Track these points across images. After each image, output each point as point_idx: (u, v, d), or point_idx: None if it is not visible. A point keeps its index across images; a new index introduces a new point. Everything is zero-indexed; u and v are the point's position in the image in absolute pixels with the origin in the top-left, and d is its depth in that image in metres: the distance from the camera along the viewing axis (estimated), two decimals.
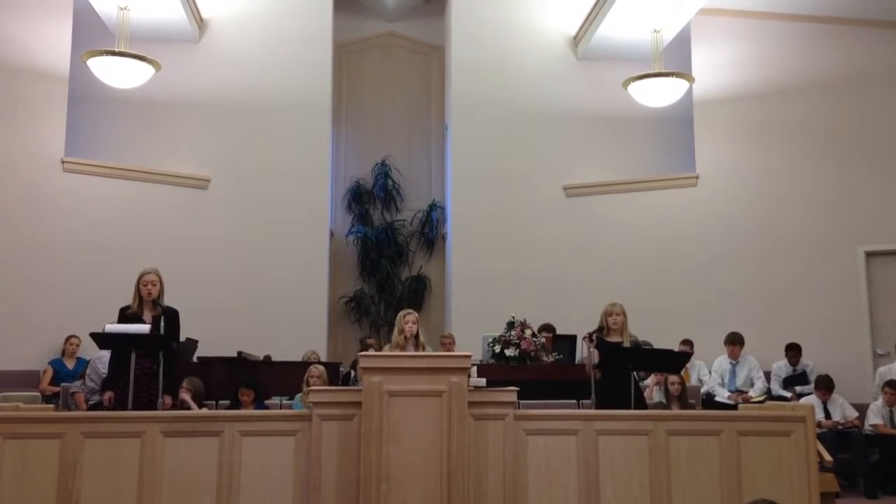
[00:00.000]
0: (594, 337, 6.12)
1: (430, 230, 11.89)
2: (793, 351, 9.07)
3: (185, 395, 6.40)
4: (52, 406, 6.05)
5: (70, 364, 9.07)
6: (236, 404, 6.87)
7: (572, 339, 8.31)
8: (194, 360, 8.05)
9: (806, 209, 9.91)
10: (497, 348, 7.57)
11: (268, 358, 9.08)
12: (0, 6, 9.55)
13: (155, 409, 5.52)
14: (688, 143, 10.58)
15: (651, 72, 9.50)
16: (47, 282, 9.33)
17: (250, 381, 6.98)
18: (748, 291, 9.87)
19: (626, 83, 9.63)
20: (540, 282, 10.37)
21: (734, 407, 7.17)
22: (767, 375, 9.07)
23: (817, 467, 4.98)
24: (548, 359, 7.69)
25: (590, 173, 10.85)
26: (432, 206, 11.88)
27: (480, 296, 10.33)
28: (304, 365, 7.60)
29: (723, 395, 8.74)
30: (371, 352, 7.97)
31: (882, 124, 9.81)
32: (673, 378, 7.09)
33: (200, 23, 10.76)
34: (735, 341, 8.95)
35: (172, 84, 10.32)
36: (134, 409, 5.52)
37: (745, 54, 10.38)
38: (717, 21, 10.40)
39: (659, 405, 7.13)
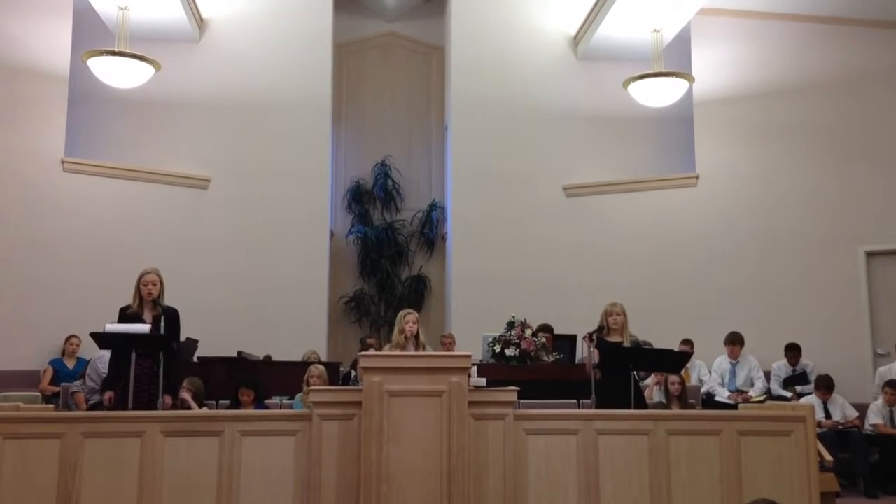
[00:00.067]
0: (594, 337, 6.12)
1: (430, 230, 11.89)
2: (792, 351, 9.07)
3: (186, 395, 6.40)
4: (52, 406, 6.05)
5: (70, 364, 9.07)
6: (236, 404, 6.87)
7: (572, 338, 8.30)
8: (194, 360, 8.05)
9: (806, 209, 9.91)
10: (497, 348, 7.56)
11: (268, 358, 9.08)
12: (0, 6, 9.55)
13: (155, 409, 5.52)
14: (688, 143, 10.58)
15: (651, 72, 9.50)
16: (47, 282, 9.33)
17: (250, 381, 6.98)
18: (748, 291, 9.86)
19: (626, 83, 9.63)
20: (540, 282, 10.37)
21: (734, 407, 7.17)
22: (767, 375, 9.06)
23: (817, 467, 4.98)
24: (548, 359, 7.68)
25: (590, 173, 10.85)
26: (432, 206, 11.89)
27: (480, 296, 10.33)
28: (304, 365, 7.60)
29: (723, 395, 8.74)
30: (371, 352, 7.97)
31: (882, 124, 9.81)
32: (673, 378, 7.09)
33: (200, 23, 10.76)
34: (735, 341, 8.95)
35: (172, 84, 10.32)
36: (134, 408, 5.52)
37: (745, 54, 10.38)
38: (717, 21, 10.40)
39: (659, 405, 7.13)
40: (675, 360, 6.39)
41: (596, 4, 10.26)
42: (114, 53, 8.90)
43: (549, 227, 10.69)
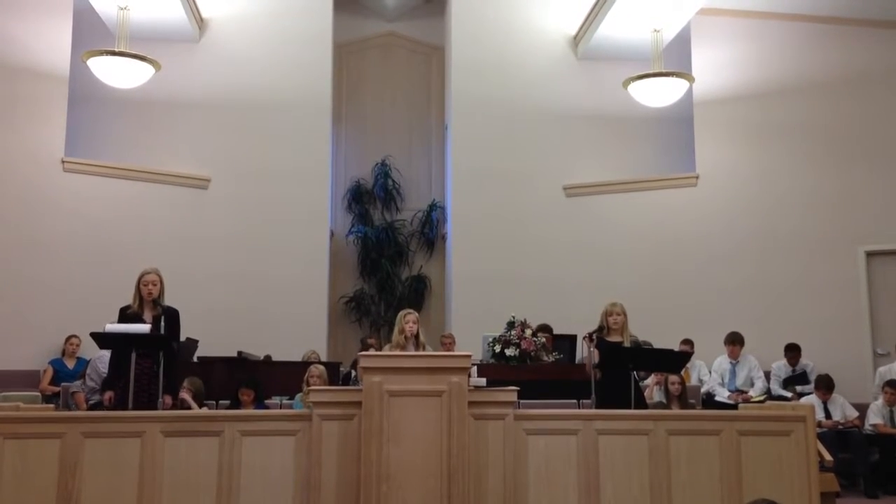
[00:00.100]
0: (594, 337, 6.12)
1: (430, 230, 11.89)
2: (792, 352, 9.06)
3: (186, 395, 6.40)
4: (52, 406, 6.05)
5: (70, 364, 9.07)
6: (236, 404, 6.87)
7: (572, 338, 8.31)
8: (194, 359, 8.05)
9: (806, 209, 9.91)
10: (497, 348, 7.56)
11: (268, 358, 9.09)
12: (0, 6, 9.55)
13: (155, 408, 5.52)
14: (688, 143, 10.58)
15: (651, 72, 9.50)
16: (47, 282, 9.33)
17: (250, 380, 6.98)
18: (748, 291, 9.86)
19: (626, 83, 9.63)
20: (540, 282, 10.37)
21: (734, 407, 7.17)
22: (767, 375, 9.06)
23: (817, 467, 4.98)
24: (548, 359, 7.68)
25: (590, 173, 10.85)
26: (432, 206, 11.89)
27: (480, 296, 10.33)
28: (304, 365, 7.60)
29: (723, 395, 8.74)
30: (371, 352, 7.97)
31: (882, 124, 9.81)
32: (673, 378, 7.09)
33: (200, 23, 10.76)
34: (735, 341, 8.95)
35: (172, 84, 10.32)
36: (134, 409, 5.52)
37: (745, 54, 10.38)
38: (717, 21, 10.40)
39: (659, 405, 7.13)
40: (675, 360, 6.39)
41: (596, 4, 10.26)
42: (114, 53, 8.91)
43: (549, 227, 10.69)
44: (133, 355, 5.62)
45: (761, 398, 8.45)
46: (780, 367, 9.11)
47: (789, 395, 8.76)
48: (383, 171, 11.85)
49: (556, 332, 8.31)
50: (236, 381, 7.01)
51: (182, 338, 6.67)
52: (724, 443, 4.91)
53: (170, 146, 10.47)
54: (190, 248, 10.07)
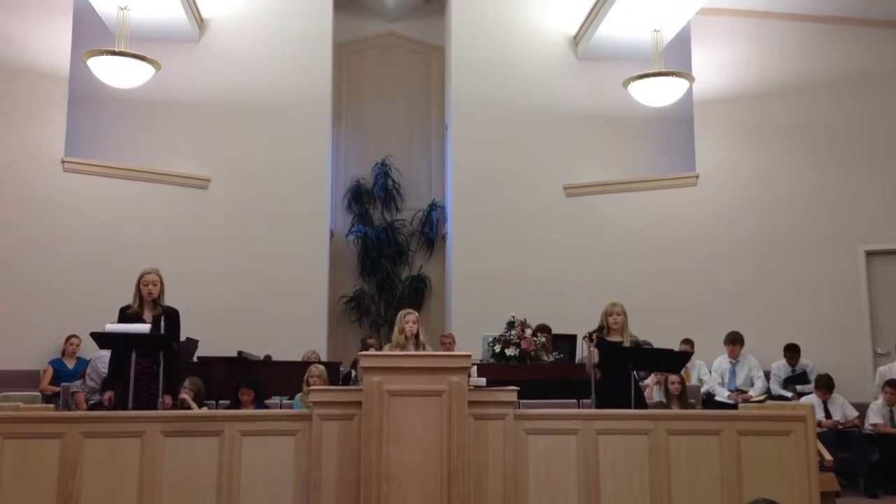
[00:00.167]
0: (594, 336, 6.12)
1: (430, 230, 11.89)
2: (791, 352, 9.06)
3: (186, 395, 6.40)
4: (52, 406, 6.04)
5: (70, 364, 9.07)
6: (236, 404, 6.87)
7: (572, 338, 8.31)
8: (194, 359, 8.05)
9: (806, 209, 9.90)
10: (497, 348, 7.56)
11: (268, 358, 9.09)
12: (0, 6, 9.55)
13: (155, 408, 5.52)
14: (688, 143, 10.58)
15: (651, 71, 9.50)
16: (47, 282, 9.34)
17: (250, 380, 6.98)
18: (748, 291, 9.86)
19: (626, 83, 9.63)
20: (540, 282, 10.37)
21: (734, 406, 7.17)
22: (767, 375, 9.06)
23: (817, 467, 4.98)
24: (548, 358, 7.68)
25: (590, 173, 10.85)
26: (432, 206, 11.89)
27: (480, 296, 10.33)
28: (304, 365, 7.60)
29: (723, 395, 8.74)
30: (371, 351, 7.97)
31: (882, 124, 9.81)
32: (673, 378, 7.09)
33: (200, 23, 10.76)
34: (735, 341, 8.95)
35: (172, 84, 10.33)
36: (134, 408, 5.52)
37: (745, 54, 10.38)
38: (717, 21, 10.40)
39: (659, 405, 7.13)
40: (675, 360, 6.38)
41: (596, 4, 10.26)
42: (114, 53, 8.91)
43: (549, 227, 10.69)
44: (133, 355, 5.62)
45: (761, 398, 8.45)
46: (780, 367, 9.11)
47: (789, 394, 8.76)
48: (383, 170, 11.85)
49: (556, 332, 8.31)
50: (236, 381, 7.01)
51: (182, 338, 6.67)
52: (724, 443, 4.91)
53: (170, 146, 10.47)
54: (190, 248, 10.07)
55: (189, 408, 6.26)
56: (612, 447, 4.87)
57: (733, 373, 8.94)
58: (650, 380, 7.51)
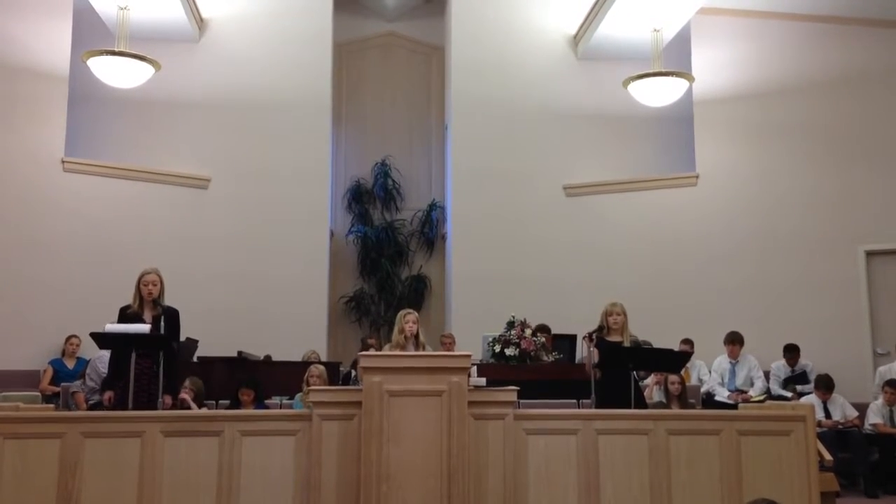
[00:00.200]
0: (594, 336, 6.12)
1: (430, 230, 11.90)
2: (791, 353, 9.05)
3: (186, 395, 6.40)
4: (52, 406, 6.05)
5: (70, 364, 9.07)
6: (236, 404, 6.87)
7: (572, 338, 8.31)
8: (194, 359, 8.05)
9: (806, 209, 9.90)
10: (497, 348, 7.57)
11: (268, 358, 9.09)
12: (0, 6, 9.55)
13: (155, 408, 5.52)
14: (688, 143, 10.58)
15: (651, 71, 9.50)
16: (47, 282, 9.34)
17: (250, 380, 6.98)
18: (748, 291, 9.86)
19: (626, 83, 9.63)
20: (540, 282, 10.37)
21: (734, 406, 7.17)
22: (767, 375, 9.06)
23: (817, 467, 4.98)
24: (548, 358, 7.69)
25: (590, 173, 10.85)
26: (432, 206, 11.89)
27: (480, 296, 10.33)
28: (304, 365, 7.60)
29: (722, 395, 8.74)
30: (371, 351, 7.97)
31: (882, 124, 9.80)
32: (673, 377, 7.09)
33: (200, 23, 10.76)
34: (735, 341, 8.95)
35: (172, 84, 10.33)
36: (134, 408, 5.52)
37: (745, 54, 10.38)
38: (717, 20, 10.40)
39: (659, 405, 7.13)
40: (675, 360, 6.38)
41: (596, 4, 10.26)
42: (114, 53, 8.90)
43: (549, 227, 10.69)
44: (133, 355, 5.62)
45: (761, 398, 8.45)
46: (779, 367, 9.10)
47: (789, 394, 8.76)
48: (383, 170, 11.85)
49: (556, 332, 8.32)
50: (236, 381, 7.01)
51: (182, 338, 6.67)
52: (723, 443, 4.91)
53: (170, 146, 10.47)
54: (190, 248, 10.07)
55: (189, 408, 6.26)
56: (612, 447, 4.87)
57: (733, 373, 8.95)
58: (650, 380, 7.51)
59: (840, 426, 8.07)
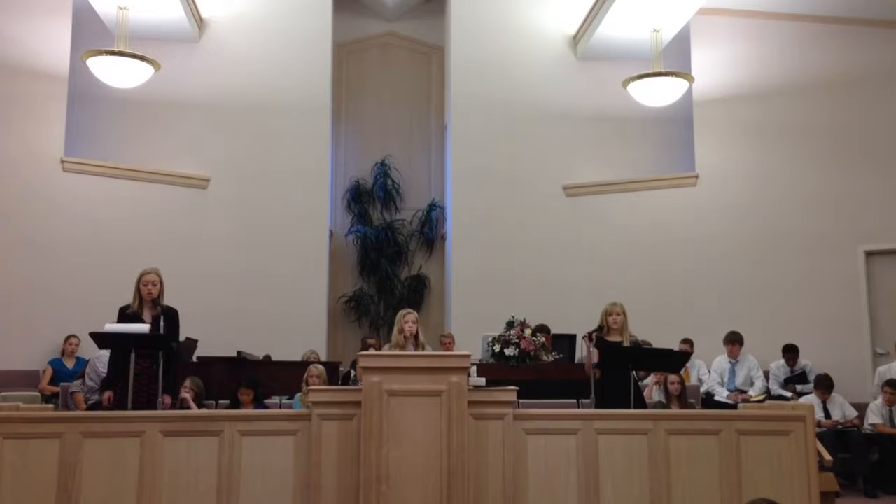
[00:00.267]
0: (594, 336, 6.12)
1: (430, 230, 11.90)
2: (790, 353, 9.04)
3: (187, 395, 6.40)
4: (51, 406, 6.04)
5: (70, 364, 9.07)
6: (236, 404, 6.87)
7: (572, 338, 8.31)
8: (194, 359, 8.05)
9: (806, 209, 9.90)
10: (497, 348, 7.58)
11: (268, 358, 9.09)
12: (0, 6, 9.55)
13: (154, 408, 5.52)
14: (688, 143, 10.58)
15: (651, 71, 9.50)
16: (47, 281, 9.34)
17: (250, 380, 6.97)
18: (748, 291, 9.86)
19: (625, 83, 9.63)
20: (540, 282, 10.37)
21: (734, 406, 7.17)
22: (767, 375, 9.06)
23: (817, 467, 4.98)
24: (547, 358, 7.69)
25: (590, 173, 10.85)
26: (432, 206, 11.89)
27: (480, 296, 10.33)
28: (303, 365, 7.60)
29: (722, 395, 8.74)
30: (371, 351, 7.96)
31: (882, 124, 9.80)
32: (672, 377, 7.09)
33: (200, 23, 10.76)
34: (734, 340, 8.95)
35: (172, 84, 10.33)
36: (133, 408, 5.51)
37: (745, 54, 10.37)
38: (717, 21, 10.40)
39: (659, 405, 7.13)
40: (674, 360, 6.38)
41: (595, 4, 10.26)
42: (113, 53, 8.90)
43: (548, 227, 10.70)
44: (132, 355, 5.62)
45: (761, 398, 8.46)
46: (779, 367, 9.10)
47: (789, 394, 8.76)
48: (383, 170, 11.86)
49: (555, 332, 8.32)
50: (236, 381, 7.01)
51: (182, 338, 6.67)
52: (723, 442, 4.91)
53: (170, 146, 10.47)
54: (190, 248, 10.07)
55: (189, 407, 6.26)
56: (611, 447, 4.87)
57: (733, 373, 8.95)
58: (650, 380, 7.51)
59: (840, 426, 8.07)
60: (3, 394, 7.23)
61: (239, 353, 8.61)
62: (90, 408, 7.24)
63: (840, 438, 7.88)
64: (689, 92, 10.06)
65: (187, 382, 6.54)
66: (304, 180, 10.69)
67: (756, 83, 10.27)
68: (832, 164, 9.89)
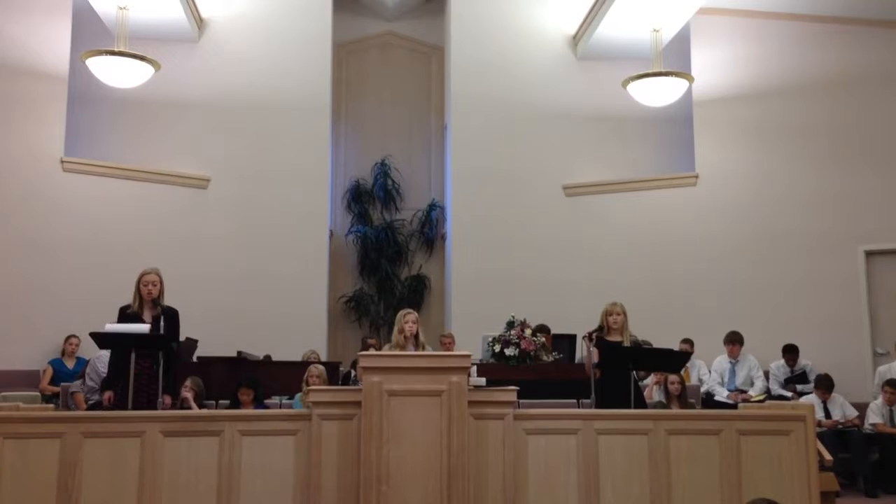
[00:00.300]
0: (594, 336, 6.12)
1: (430, 230, 11.89)
2: (790, 353, 9.04)
3: (187, 395, 6.40)
4: (51, 406, 6.04)
5: (70, 364, 9.07)
6: (236, 404, 6.87)
7: (572, 338, 8.31)
8: (194, 359, 8.05)
9: (806, 209, 9.90)
10: (497, 348, 7.58)
11: (268, 358, 9.09)
12: (0, 6, 9.55)
13: (155, 408, 5.52)
14: (687, 143, 10.58)
15: (651, 71, 9.50)
16: (47, 281, 9.34)
17: (250, 380, 6.98)
18: (748, 291, 9.86)
19: (625, 83, 9.63)
20: (540, 282, 10.38)
21: (734, 406, 7.17)
22: (767, 374, 9.06)
23: (817, 466, 4.98)
24: (548, 358, 7.69)
25: (589, 173, 10.85)
26: (432, 206, 11.89)
27: (480, 296, 10.33)
28: (303, 365, 7.60)
29: (722, 395, 8.74)
30: (371, 351, 7.96)
31: (882, 124, 9.80)
32: (673, 377, 7.09)
33: (200, 23, 10.76)
34: (734, 340, 8.95)
35: (172, 84, 10.33)
36: (133, 408, 5.51)
37: (745, 54, 10.37)
38: (717, 20, 10.40)
39: (659, 404, 7.13)
40: (674, 360, 6.38)
41: (595, 4, 10.26)
42: (113, 53, 8.90)
43: (548, 227, 10.70)
44: (132, 355, 5.62)
45: (761, 397, 8.46)
46: (779, 367, 9.10)
47: (789, 394, 8.76)
48: (383, 170, 11.85)
49: (556, 332, 8.32)
50: (236, 381, 7.01)
51: (182, 338, 6.67)
52: (723, 442, 4.91)
53: (170, 146, 10.47)
54: (190, 248, 10.07)
55: (190, 407, 6.26)
56: (612, 447, 4.87)
57: (733, 373, 8.95)
58: (650, 380, 7.51)
59: (840, 426, 8.08)
60: (4, 394, 7.23)
61: (239, 353, 8.61)
62: (90, 408, 7.25)
63: (840, 438, 7.89)
64: (688, 92, 10.06)
65: (188, 382, 6.54)
66: (304, 180, 10.69)
67: (756, 83, 10.27)
68: (832, 164, 9.89)
